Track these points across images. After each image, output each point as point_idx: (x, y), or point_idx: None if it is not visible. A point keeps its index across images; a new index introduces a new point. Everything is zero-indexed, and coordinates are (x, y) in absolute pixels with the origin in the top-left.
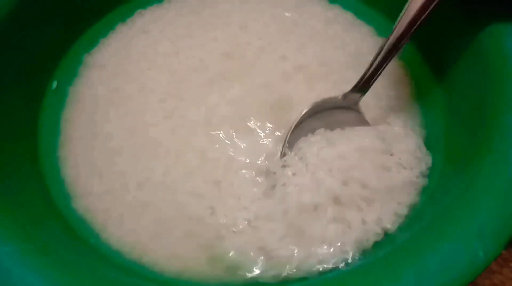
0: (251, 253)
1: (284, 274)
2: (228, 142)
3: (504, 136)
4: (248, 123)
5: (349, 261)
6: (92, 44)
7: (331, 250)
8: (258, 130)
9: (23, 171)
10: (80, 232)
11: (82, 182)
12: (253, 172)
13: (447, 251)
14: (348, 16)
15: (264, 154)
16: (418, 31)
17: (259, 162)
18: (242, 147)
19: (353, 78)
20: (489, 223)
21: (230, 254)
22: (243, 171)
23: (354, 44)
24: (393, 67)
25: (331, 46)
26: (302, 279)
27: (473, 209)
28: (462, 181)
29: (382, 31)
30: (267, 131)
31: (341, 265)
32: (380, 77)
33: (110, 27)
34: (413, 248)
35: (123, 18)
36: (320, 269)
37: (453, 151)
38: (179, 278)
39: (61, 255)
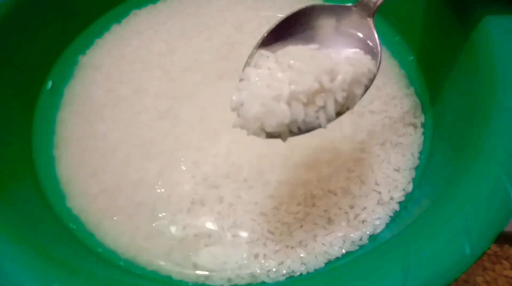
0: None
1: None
2: (224, 142)
3: (493, 133)
4: None
5: (334, 258)
6: (87, 45)
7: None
8: None
9: (18, 170)
10: (75, 232)
11: (76, 182)
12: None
13: (433, 247)
14: None
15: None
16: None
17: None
18: (240, 147)
19: None
20: (476, 219)
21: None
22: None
23: None
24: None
25: None
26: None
27: (460, 205)
28: (450, 176)
29: (378, 30)
30: None
31: (326, 262)
32: None
33: (105, 28)
34: (399, 244)
35: (118, 18)
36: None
37: (440, 146)
38: (173, 277)
39: (55, 254)
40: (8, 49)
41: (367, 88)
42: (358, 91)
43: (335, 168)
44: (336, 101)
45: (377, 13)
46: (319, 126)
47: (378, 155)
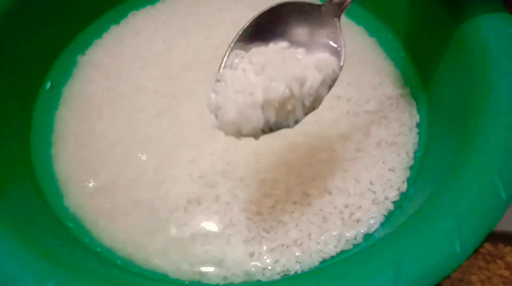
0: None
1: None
2: (222, 140)
3: (486, 133)
4: None
5: (329, 257)
6: (86, 45)
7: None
8: None
9: (16, 168)
10: (72, 229)
11: (74, 180)
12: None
13: (425, 245)
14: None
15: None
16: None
17: (256, 164)
18: (237, 145)
19: (348, 78)
20: (467, 218)
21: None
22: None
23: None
24: (381, 65)
25: None
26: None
27: (452, 204)
28: (442, 175)
29: (373, 31)
30: None
31: (320, 261)
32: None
33: (104, 28)
34: (392, 242)
35: (116, 19)
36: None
37: (434, 146)
38: (169, 275)
39: (52, 251)
40: (7, 49)
41: (330, 88)
42: (324, 93)
43: (330, 167)
44: (304, 105)
45: (370, 11)
46: (288, 126)
47: (373, 155)
